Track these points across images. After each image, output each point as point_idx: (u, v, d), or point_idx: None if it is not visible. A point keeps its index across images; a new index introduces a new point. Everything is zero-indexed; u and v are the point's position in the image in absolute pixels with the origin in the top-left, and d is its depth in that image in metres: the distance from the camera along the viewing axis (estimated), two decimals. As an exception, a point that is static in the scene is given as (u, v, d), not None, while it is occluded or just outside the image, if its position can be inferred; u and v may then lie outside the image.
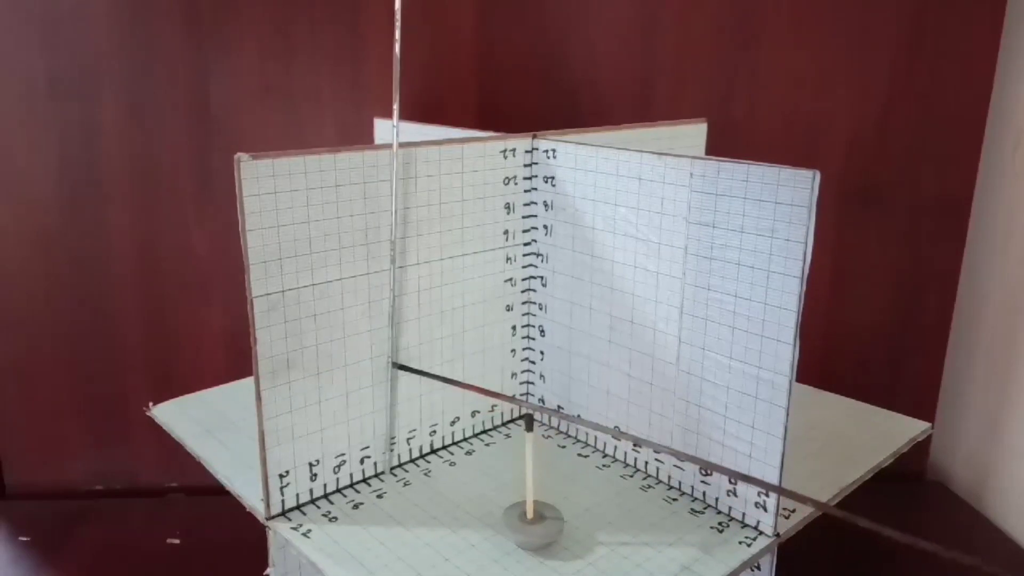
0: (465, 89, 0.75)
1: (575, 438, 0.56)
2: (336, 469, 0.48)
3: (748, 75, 0.75)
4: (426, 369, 0.51)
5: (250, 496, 0.47)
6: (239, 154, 0.40)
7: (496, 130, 0.55)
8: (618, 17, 0.74)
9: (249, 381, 0.62)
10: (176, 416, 0.58)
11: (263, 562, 0.52)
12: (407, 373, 0.50)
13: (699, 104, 0.75)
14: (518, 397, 0.57)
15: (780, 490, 0.42)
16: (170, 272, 0.76)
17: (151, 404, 0.59)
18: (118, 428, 0.79)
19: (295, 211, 0.43)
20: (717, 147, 0.63)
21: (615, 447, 0.53)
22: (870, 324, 0.81)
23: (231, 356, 0.78)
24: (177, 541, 0.71)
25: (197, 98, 0.73)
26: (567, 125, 0.55)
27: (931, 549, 0.30)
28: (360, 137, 0.73)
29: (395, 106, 0.46)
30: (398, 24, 0.46)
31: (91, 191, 0.74)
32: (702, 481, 0.48)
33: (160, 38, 0.71)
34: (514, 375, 0.57)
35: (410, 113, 0.72)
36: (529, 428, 0.43)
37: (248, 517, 0.48)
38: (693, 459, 0.46)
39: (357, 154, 0.45)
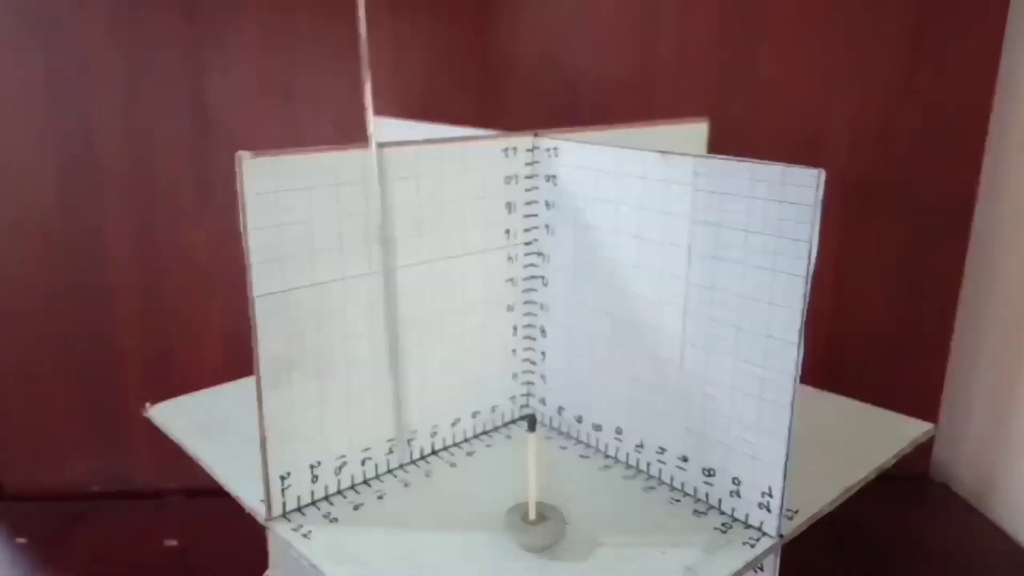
0: (465, 88, 0.75)
1: (576, 439, 0.55)
2: (337, 471, 0.48)
3: (748, 75, 0.75)
4: (426, 369, 0.51)
5: (249, 497, 0.47)
6: (241, 152, 0.40)
7: (496, 129, 0.55)
8: (618, 17, 0.74)
9: (246, 382, 0.62)
10: (174, 417, 0.57)
11: (261, 564, 0.52)
12: (407, 372, 0.49)
13: (699, 103, 0.75)
14: (519, 397, 0.57)
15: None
16: (169, 272, 0.76)
17: (149, 405, 0.59)
18: (116, 429, 0.79)
19: (297, 210, 0.42)
20: (717, 147, 0.62)
21: (616, 448, 0.53)
22: (873, 324, 0.81)
23: (230, 356, 0.78)
24: (175, 543, 0.71)
25: (195, 97, 0.72)
26: (567, 124, 0.55)
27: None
28: (360, 136, 0.73)
29: (368, 108, 0.46)
30: (362, 26, 0.46)
31: (89, 190, 0.73)
32: (705, 482, 0.48)
33: (158, 37, 0.71)
34: (515, 376, 0.56)
35: (410, 111, 0.72)
36: (532, 428, 0.43)
37: (246, 519, 0.47)
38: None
39: (359, 153, 0.44)
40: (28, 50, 0.70)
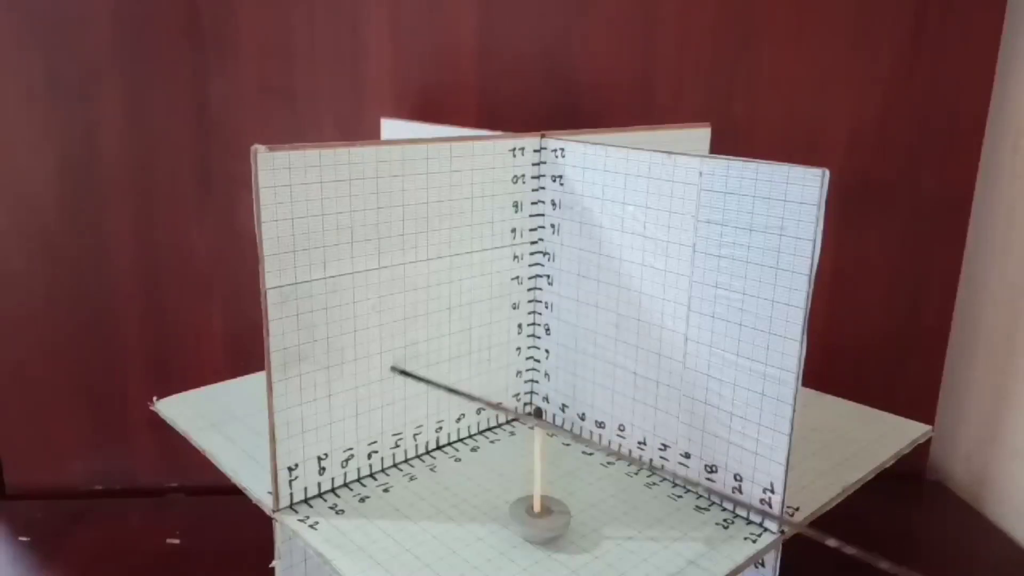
0: (465, 90, 0.75)
1: (579, 437, 0.56)
2: (344, 463, 0.48)
3: (748, 75, 0.76)
4: (433, 365, 0.51)
5: (256, 489, 0.48)
6: (256, 145, 0.40)
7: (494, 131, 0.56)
8: (618, 17, 0.74)
9: (251, 377, 0.63)
10: (180, 411, 0.58)
11: (263, 562, 0.52)
12: (414, 367, 0.50)
13: (698, 104, 0.76)
14: (523, 395, 0.58)
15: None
16: (170, 272, 0.76)
17: (155, 398, 0.59)
18: (118, 428, 0.79)
19: (310, 204, 0.43)
20: (717, 147, 0.63)
21: (619, 445, 0.53)
22: (869, 325, 0.82)
23: (230, 356, 0.78)
24: (177, 541, 0.71)
25: (197, 98, 0.73)
26: (567, 126, 0.56)
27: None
28: (360, 137, 0.73)
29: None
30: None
31: (91, 191, 0.74)
32: (707, 478, 0.48)
33: (160, 38, 0.71)
34: (519, 373, 0.57)
35: (409, 112, 0.72)
36: (538, 419, 0.44)
37: (248, 517, 0.48)
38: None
39: (371, 149, 0.45)
40: (30, 50, 0.71)
